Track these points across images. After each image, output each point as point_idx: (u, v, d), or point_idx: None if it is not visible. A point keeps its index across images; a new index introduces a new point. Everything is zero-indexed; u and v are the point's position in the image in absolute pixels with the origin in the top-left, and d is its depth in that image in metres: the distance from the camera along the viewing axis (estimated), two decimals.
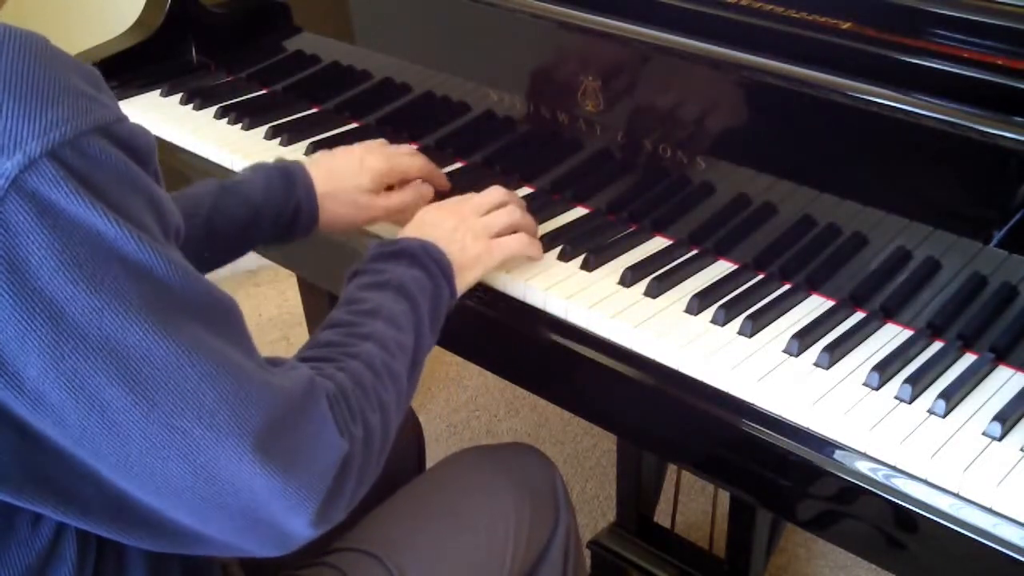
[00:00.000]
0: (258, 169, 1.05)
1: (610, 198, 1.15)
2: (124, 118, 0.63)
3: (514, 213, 1.03)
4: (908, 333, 0.96)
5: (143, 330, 0.60)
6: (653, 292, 1.01)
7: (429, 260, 0.92)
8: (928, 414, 0.86)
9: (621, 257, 1.07)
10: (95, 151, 0.60)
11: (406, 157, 1.12)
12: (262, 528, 0.67)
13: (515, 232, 1.03)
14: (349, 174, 1.08)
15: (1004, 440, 0.83)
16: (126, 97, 1.44)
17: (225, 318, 0.67)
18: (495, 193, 1.04)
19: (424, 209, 1.03)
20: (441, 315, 0.92)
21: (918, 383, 0.88)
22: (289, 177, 1.05)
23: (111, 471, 0.63)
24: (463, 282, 0.96)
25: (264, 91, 1.46)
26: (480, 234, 0.99)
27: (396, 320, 0.85)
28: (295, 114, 1.39)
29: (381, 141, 1.16)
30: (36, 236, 0.57)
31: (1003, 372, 0.92)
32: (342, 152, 1.11)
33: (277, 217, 1.04)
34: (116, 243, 0.59)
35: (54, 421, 0.61)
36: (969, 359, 0.93)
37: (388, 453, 0.78)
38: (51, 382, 0.59)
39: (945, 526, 0.79)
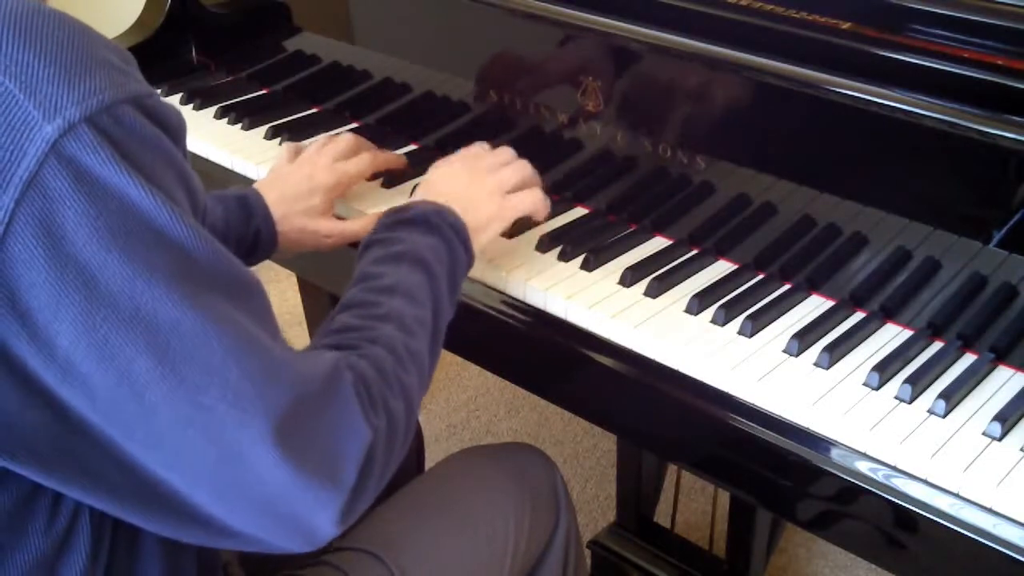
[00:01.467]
0: (217, 201, 1.05)
1: (610, 198, 1.15)
2: (156, 93, 0.64)
3: (524, 169, 1.03)
4: (908, 333, 0.96)
5: (172, 301, 0.60)
6: (653, 292, 1.01)
7: (445, 225, 0.91)
8: (928, 414, 0.86)
9: (621, 257, 1.07)
10: (130, 121, 0.61)
11: (352, 164, 1.13)
12: (287, 521, 0.66)
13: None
14: (301, 198, 1.08)
15: (1004, 440, 0.83)
16: None
17: (252, 297, 0.67)
18: (504, 152, 1.04)
19: (434, 167, 1.03)
20: (459, 282, 0.91)
21: (918, 383, 0.88)
22: (247, 206, 1.05)
23: (139, 449, 0.63)
24: (478, 244, 0.95)
25: (264, 91, 1.47)
26: (493, 192, 0.99)
27: (414, 295, 0.84)
28: (295, 114, 1.39)
29: (319, 144, 1.15)
30: (72, 202, 0.58)
31: (1003, 372, 0.92)
32: (289, 173, 1.11)
33: (238, 244, 1.04)
34: (149, 213, 0.60)
35: (84, 393, 0.61)
36: (969, 359, 0.92)
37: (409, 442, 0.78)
38: (82, 351, 0.59)
39: (945, 526, 0.79)
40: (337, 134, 1.32)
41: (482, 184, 0.99)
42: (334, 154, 1.13)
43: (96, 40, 0.62)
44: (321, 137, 1.18)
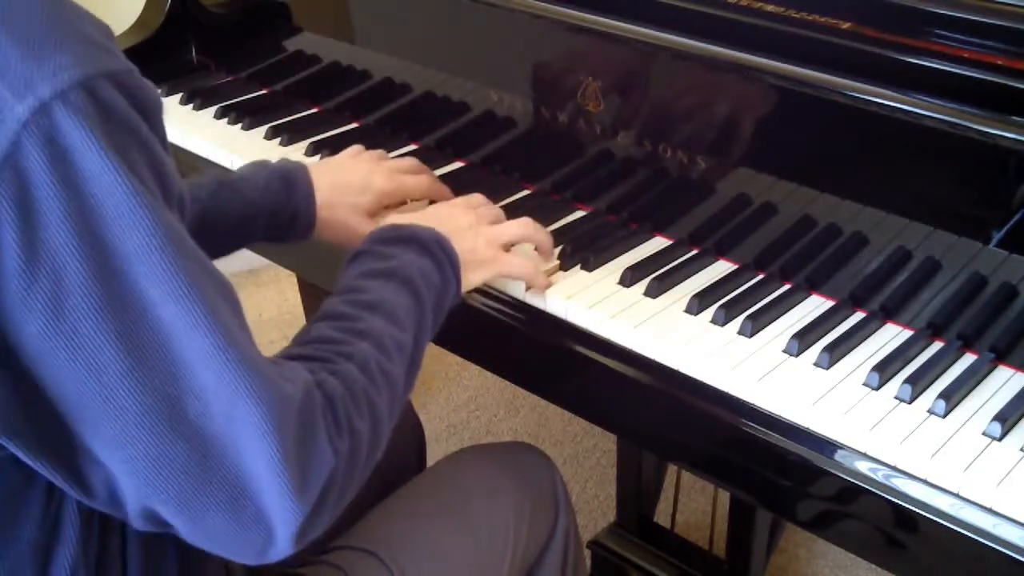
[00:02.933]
0: (259, 168, 1.04)
1: (610, 198, 1.15)
2: (133, 69, 0.62)
3: (527, 227, 1.01)
4: (908, 333, 0.96)
5: (140, 290, 0.59)
6: (653, 292, 1.01)
7: (440, 251, 0.89)
8: (928, 414, 0.86)
9: (621, 257, 1.07)
10: (104, 95, 0.59)
11: (411, 179, 1.10)
12: (247, 526, 0.65)
13: (527, 245, 1.02)
14: (353, 191, 1.06)
15: (1004, 440, 0.83)
16: None
17: (229, 294, 0.65)
18: (510, 219, 1.02)
19: (437, 204, 1.02)
20: (444, 310, 0.89)
21: (918, 383, 0.88)
22: (290, 182, 1.03)
23: (107, 446, 0.62)
24: (468, 282, 0.94)
25: (264, 91, 1.47)
26: (491, 241, 0.97)
27: (397, 316, 0.82)
28: (295, 114, 1.39)
29: (380, 152, 1.14)
30: (45, 184, 0.56)
31: (1003, 372, 0.92)
32: (350, 165, 1.09)
33: (272, 218, 1.02)
34: (123, 196, 0.58)
35: (52, 378, 0.60)
36: (969, 359, 0.92)
37: (378, 460, 0.76)
38: (51, 339, 0.58)
39: (945, 526, 0.79)
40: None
41: (480, 230, 0.97)
42: (396, 166, 1.11)
43: (73, 12, 0.60)
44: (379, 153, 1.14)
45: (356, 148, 1.14)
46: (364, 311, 0.81)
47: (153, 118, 0.63)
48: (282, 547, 0.67)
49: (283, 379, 0.67)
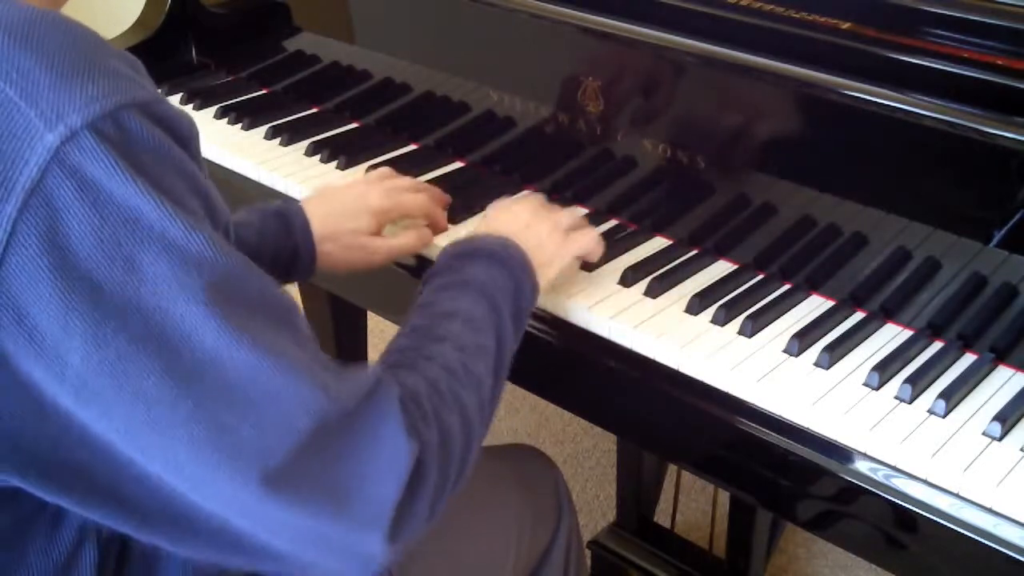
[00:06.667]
0: (253, 212, 1.02)
1: (610, 198, 1.14)
2: (162, 98, 0.62)
3: (577, 212, 1.03)
4: (908, 333, 0.96)
5: (181, 314, 0.58)
6: (653, 292, 1.01)
7: (510, 259, 0.89)
8: (928, 414, 0.86)
9: (621, 257, 1.07)
10: (135, 126, 0.58)
11: (409, 195, 1.08)
12: (332, 548, 0.64)
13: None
14: (349, 215, 1.04)
15: (1004, 440, 0.83)
16: None
17: (279, 312, 0.64)
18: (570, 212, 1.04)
19: (492, 206, 1.01)
20: (524, 314, 0.89)
21: (918, 383, 0.88)
22: (286, 220, 1.02)
23: (164, 473, 0.60)
24: (544, 279, 0.93)
25: (264, 91, 1.47)
26: (553, 230, 0.97)
27: (475, 322, 0.81)
28: (295, 114, 1.39)
29: (382, 172, 1.12)
30: (76, 211, 0.56)
31: (1003, 372, 0.92)
32: (342, 191, 1.08)
33: (273, 261, 1.01)
34: (157, 222, 0.57)
35: (101, 411, 0.58)
36: (969, 359, 0.92)
37: (474, 462, 0.76)
38: (93, 369, 0.57)
39: (945, 526, 0.79)
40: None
41: (542, 222, 0.97)
42: (394, 185, 1.09)
43: (101, 46, 0.60)
44: (382, 171, 1.13)
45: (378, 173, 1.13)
46: (441, 319, 0.81)
47: (189, 144, 0.63)
48: (379, 551, 0.65)
49: (342, 378, 0.65)
